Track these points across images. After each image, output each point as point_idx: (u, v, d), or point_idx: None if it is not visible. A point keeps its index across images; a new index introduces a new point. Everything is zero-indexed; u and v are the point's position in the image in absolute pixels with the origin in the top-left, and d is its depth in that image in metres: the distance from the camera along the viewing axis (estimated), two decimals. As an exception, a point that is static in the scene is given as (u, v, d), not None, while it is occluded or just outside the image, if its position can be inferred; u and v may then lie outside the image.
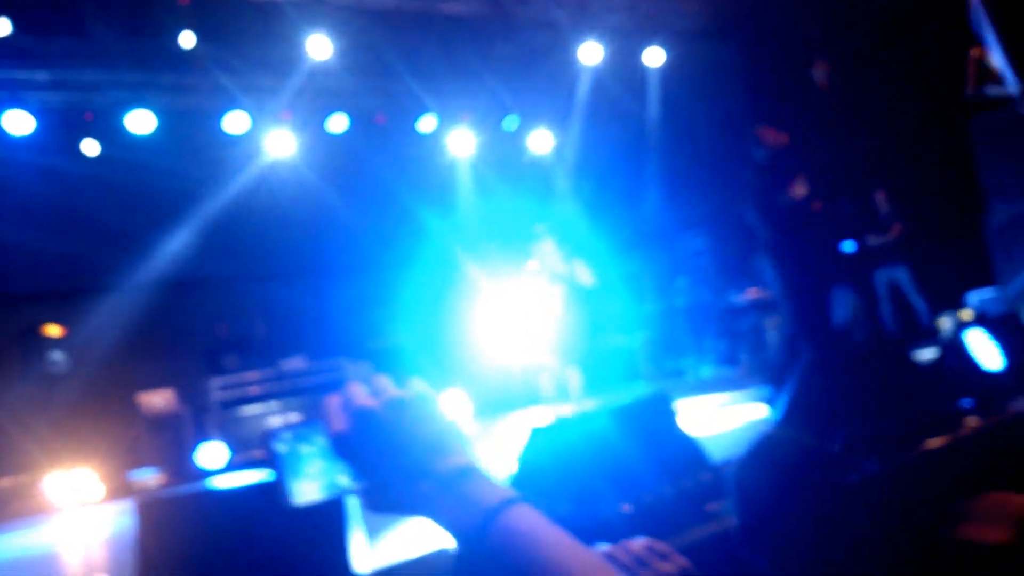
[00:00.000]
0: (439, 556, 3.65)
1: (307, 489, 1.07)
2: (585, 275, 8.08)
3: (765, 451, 1.70)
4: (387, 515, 0.96)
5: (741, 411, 6.62)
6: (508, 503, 0.88)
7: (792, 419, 2.57)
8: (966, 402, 4.63)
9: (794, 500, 1.59)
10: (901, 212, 8.36)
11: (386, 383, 1.00)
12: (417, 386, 1.00)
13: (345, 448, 0.98)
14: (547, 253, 8.08)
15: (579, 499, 3.47)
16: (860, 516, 1.57)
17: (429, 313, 8.97)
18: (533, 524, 0.86)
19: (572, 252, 8.08)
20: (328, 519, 3.56)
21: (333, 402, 1.00)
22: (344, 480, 1.04)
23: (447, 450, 0.95)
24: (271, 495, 3.60)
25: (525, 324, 8.51)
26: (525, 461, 3.70)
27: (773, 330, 8.56)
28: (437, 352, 8.39)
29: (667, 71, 10.49)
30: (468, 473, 0.92)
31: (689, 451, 3.97)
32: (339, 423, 0.99)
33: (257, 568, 3.31)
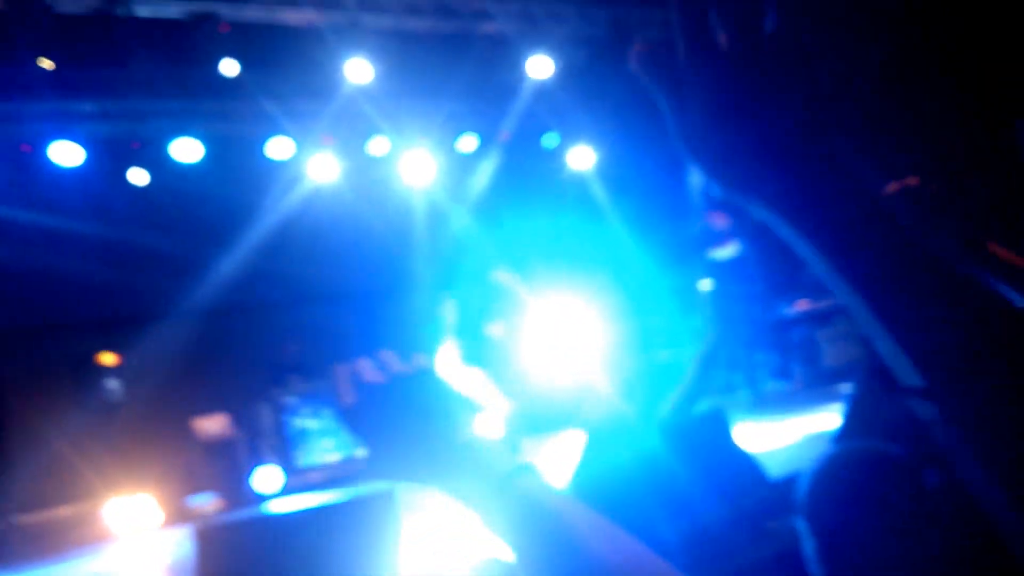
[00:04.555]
0: None
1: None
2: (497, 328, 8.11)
3: (834, 466, 1.66)
4: (393, 481, 0.98)
5: (796, 425, 6.52)
6: (519, 471, 0.91)
7: (854, 433, 2.52)
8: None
9: (869, 521, 1.55)
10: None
11: (392, 358, 1.03)
12: (422, 361, 1.02)
13: (354, 421, 1.00)
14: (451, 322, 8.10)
15: (633, 520, 3.42)
16: (934, 529, 1.53)
17: (476, 331, 8.96)
18: (541, 489, 0.89)
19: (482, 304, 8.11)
20: (382, 539, 3.57)
21: (342, 375, 1.03)
22: (357, 450, 1.06)
23: (453, 423, 0.97)
24: (328, 519, 3.62)
25: (572, 341, 8.47)
26: (576, 481, 3.67)
27: (826, 342, 8.44)
28: (484, 369, 8.36)
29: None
30: (477, 444, 0.95)
31: (746, 468, 3.92)
32: (348, 397, 1.01)
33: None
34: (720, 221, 7.98)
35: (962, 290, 0.53)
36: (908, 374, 0.54)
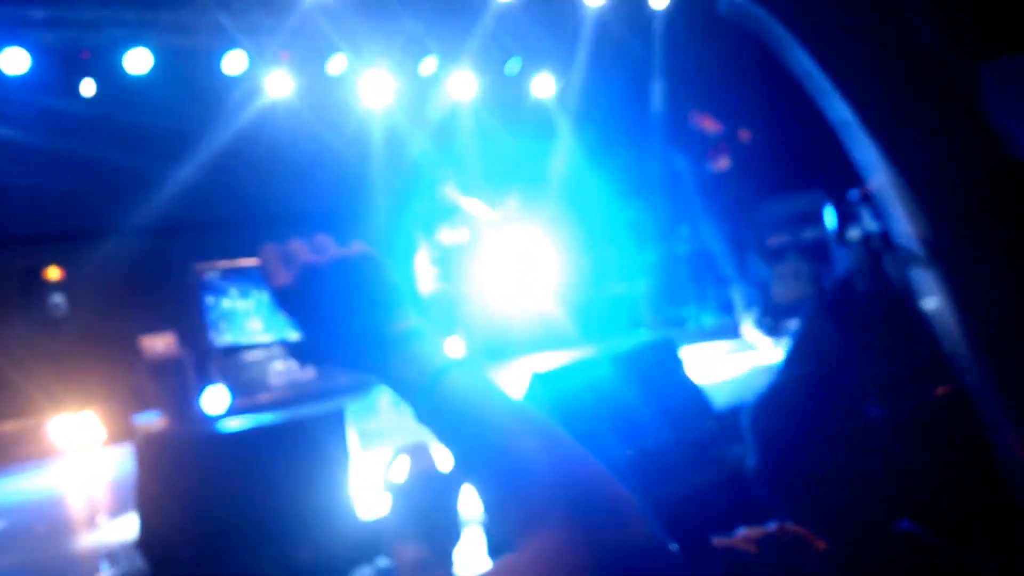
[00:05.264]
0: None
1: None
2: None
3: (779, 393, 1.67)
4: (325, 368, 0.97)
5: (743, 358, 6.61)
6: (454, 364, 0.89)
7: (800, 362, 2.52)
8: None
9: (812, 441, 1.56)
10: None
11: (328, 241, 0.99)
12: (361, 247, 0.98)
13: (288, 302, 0.96)
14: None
15: (582, 444, 3.44)
16: (877, 457, 1.55)
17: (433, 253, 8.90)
18: (477, 385, 0.88)
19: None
20: (330, 460, 3.56)
21: (271, 255, 0.98)
22: (290, 333, 1.00)
23: (393, 311, 0.94)
24: (274, 437, 3.60)
25: (525, 270, 8.47)
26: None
27: (777, 278, 8.52)
28: (438, 297, 8.33)
29: (672, 13, 10.31)
30: (415, 334, 0.92)
31: (693, 398, 3.96)
32: (282, 277, 0.96)
33: (257, 508, 3.32)
34: (711, 125, 7.59)
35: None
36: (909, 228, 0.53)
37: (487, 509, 0.85)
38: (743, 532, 1.33)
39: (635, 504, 0.79)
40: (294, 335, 0.97)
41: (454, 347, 7.93)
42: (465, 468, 0.86)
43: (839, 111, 0.53)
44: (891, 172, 0.51)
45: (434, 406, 0.88)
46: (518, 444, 0.83)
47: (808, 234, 8.95)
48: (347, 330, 0.93)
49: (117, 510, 4.86)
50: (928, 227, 0.50)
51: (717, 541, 1.27)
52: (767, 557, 1.30)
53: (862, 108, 0.50)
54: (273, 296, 0.97)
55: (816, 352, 3.00)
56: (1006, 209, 0.47)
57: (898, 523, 1.53)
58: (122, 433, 7.43)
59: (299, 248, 0.97)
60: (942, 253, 0.49)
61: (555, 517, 0.77)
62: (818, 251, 8.78)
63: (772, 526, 1.35)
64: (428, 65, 10.00)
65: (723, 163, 7.35)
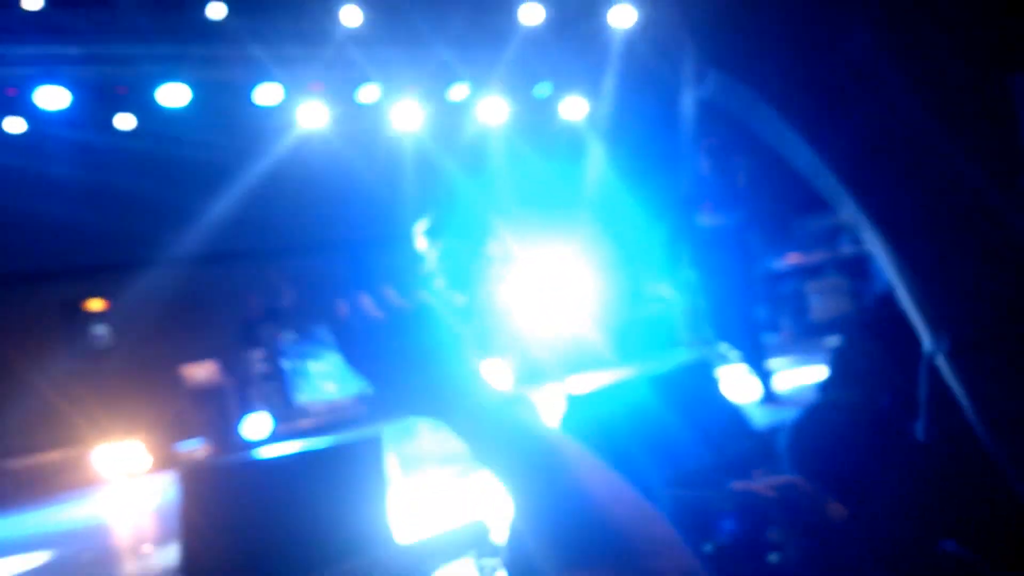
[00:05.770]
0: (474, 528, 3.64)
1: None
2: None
3: (819, 415, 1.66)
4: (396, 418, 1.01)
5: (783, 378, 6.54)
6: (511, 403, 0.94)
7: (839, 384, 2.51)
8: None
9: (852, 462, 1.55)
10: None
11: (392, 294, 1.03)
12: (422, 297, 1.03)
13: (355, 358, 1.01)
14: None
15: (618, 468, 3.41)
16: (919, 479, 1.53)
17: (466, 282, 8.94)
18: (535, 424, 0.92)
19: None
20: (368, 485, 3.57)
21: (341, 311, 1.03)
22: (361, 387, 1.04)
23: (451, 358, 0.98)
24: (313, 464, 3.63)
25: (563, 292, 8.46)
26: (564, 430, 3.67)
27: (815, 294, 8.42)
28: (474, 321, 8.35)
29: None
30: (472, 377, 0.97)
31: (731, 418, 3.93)
32: (349, 335, 1.01)
33: (298, 535, 3.33)
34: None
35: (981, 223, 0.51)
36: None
37: (538, 546, 0.86)
38: (763, 478, 1.35)
39: (674, 539, 0.81)
40: (366, 389, 1.02)
41: (496, 371, 7.96)
42: (520, 506, 0.89)
43: (831, 188, 0.54)
44: (909, 282, 0.52)
45: (494, 442, 0.92)
46: (575, 477, 0.87)
47: (846, 249, 8.86)
48: (410, 379, 0.98)
49: (161, 538, 4.90)
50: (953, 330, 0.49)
51: (736, 484, 1.30)
52: (784, 504, 1.33)
53: (857, 196, 0.50)
54: (342, 353, 1.03)
55: (856, 373, 2.96)
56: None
57: (941, 544, 1.51)
58: (166, 461, 7.51)
59: (365, 303, 1.02)
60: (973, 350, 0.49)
61: (597, 554, 0.80)
62: (857, 266, 8.68)
63: (792, 477, 1.37)
64: (458, 91, 10.08)
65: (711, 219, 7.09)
